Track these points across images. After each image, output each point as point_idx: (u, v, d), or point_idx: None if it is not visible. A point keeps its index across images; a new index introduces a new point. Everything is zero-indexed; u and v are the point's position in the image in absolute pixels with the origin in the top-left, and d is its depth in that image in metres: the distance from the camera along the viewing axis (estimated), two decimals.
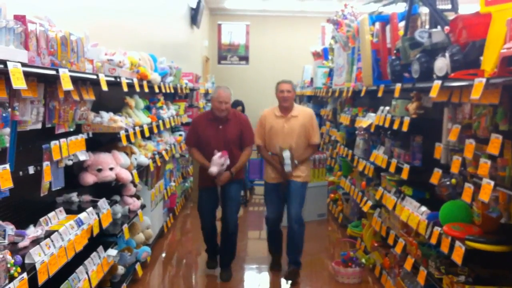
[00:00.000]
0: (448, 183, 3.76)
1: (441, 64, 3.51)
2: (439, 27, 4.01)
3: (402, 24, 4.97)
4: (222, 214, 5.59)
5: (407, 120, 4.38)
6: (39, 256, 2.78)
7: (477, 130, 3.27)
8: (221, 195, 5.58)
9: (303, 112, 5.63)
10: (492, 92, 2.91)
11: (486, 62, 2.95)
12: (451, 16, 3.95)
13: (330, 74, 8.71)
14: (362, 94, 5.90)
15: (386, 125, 4.87)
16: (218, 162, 5.20)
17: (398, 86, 4.54)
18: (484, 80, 2.85)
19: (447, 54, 3.43)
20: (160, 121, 6.32)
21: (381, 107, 5.24)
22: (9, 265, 2.48)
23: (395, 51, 4.76)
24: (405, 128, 4.40)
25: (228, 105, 5.34)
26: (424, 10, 4.63)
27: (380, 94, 5.18)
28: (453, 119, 3.73)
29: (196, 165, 5.91)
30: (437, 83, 3.55)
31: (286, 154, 5.32)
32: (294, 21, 15.76)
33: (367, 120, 5.70)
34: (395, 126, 4.62)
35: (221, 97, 5.27)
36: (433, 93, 3.59)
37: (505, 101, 2.98)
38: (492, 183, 2.92)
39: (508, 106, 3.00)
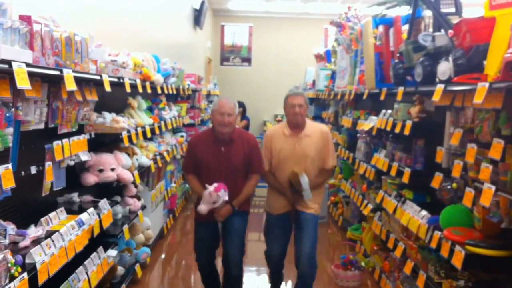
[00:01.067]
0: (449, 187, 3.76)
1: (444, 68, 3.51)
2: (442, 30, 4.01)
3: (405, 27, 4.97)
4: (222, 253, 4.60)
5: (409, 123, 4.37)
6: (39, 256, 2.79)
7: (479, 135, 3.27)
8: (222, 230, 4.57)
9: (317, 129, 4.66)
10: (495, 96, 2.91)
11: (490, 66, 2.95)
12: (455, 19, 3.95)
13: (332, 76, 8.72)
14: (365, 97, 5.90)
15: (388, 128, 4.87)
16: (209, 200, 4.27)
17: (400, 89, 4.54)
18: (487, 84, 2.85)
19: (450, 58, 3.43)
20: (162, 122, 6.33)
21: (383, 110, 5.24)
22: (9, 265, 2.48)
23: (398, 54, 4.76)
24: (407, 132, 4.40)
25: (232, 119, 4.36)
26: (428, 13, 4.63)
27: (382, 97, 5.18)
28: (455, 123, 3.72)
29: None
30: (440, 87, 3.55)
31: (305, 180, 4.36)
32: (297, 23, 15.76)
33: (369, 123, 5.70)
34: (397, 130, 4.62)
35: (223, 108, 4.33)
36: (436, 97, 3.59)
37: (508, 106, 2.97)
38: (493, 188, 2.92)
39: (511, 110, 3.00)
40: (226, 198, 4.30)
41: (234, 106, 4.41)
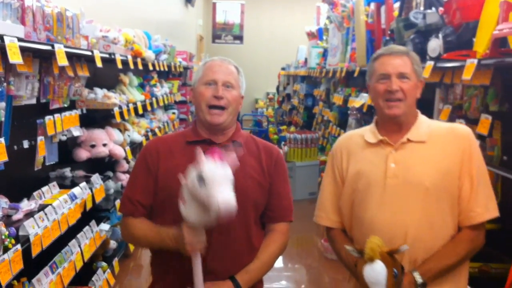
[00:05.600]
0: None
1: (434, 45, 3.54)
2: (433, 8, 4.03)
3: (397, 4, 4.99)
4: None
5: None
6: (33, 229, 2.81)
7: (467, 111, 3.32)
8: None
9: (443, 131, 2.19)
10: (484, 73, 2.95)
11: (479, 43, 2.98)
12: None
13: (324, 54, 8.73)
14: (356, 74, 5.92)
15: None
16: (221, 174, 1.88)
17: None
18: (475, 61, 2.88)
19: (440, 35, 3.46)
20: (154, 99, 6.34)
21: None
22: (3, 237, 2.51)
23: (389, 32, 4.78)
24: None
25: (233, 96, 2.21)
26: None
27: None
28: (444, 99, 3.77)
29: None
30: (430, 64, 3.58)
31: (373, 273, 1.91)
32: (289, 1, 15.70)
33: (359, 100, 5.73)
34: None
35: (215, 73, 2.21)
36: (426, 74, 3.61)
37: (496, 82, 3.02)
38: None
39: (499, 87, 3.05)
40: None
41: (237, 73, 2.31)
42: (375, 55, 2.29)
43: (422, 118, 2.24)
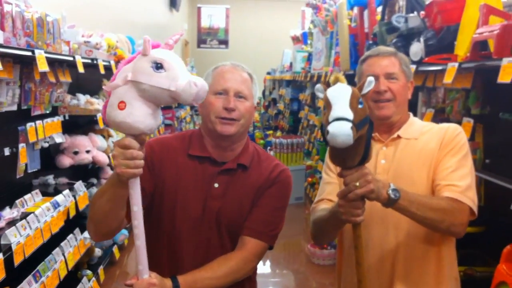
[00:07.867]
0: None
1: (416, 48, 3.56)
2: (415, 12, 4.06)
3: (380, 9, 5.01)
4: None
5: None
6: (15, 237, 2.79)
7: (450, 114, 3.34)
8: None
9: (431, 130, 2.15)
10: (465, 76, 2.97)
11: (459, 46, 3.00)
12: (427, 1, 4.00)
13: (309, 58, 8.74)
14: None
15: None
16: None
17: None
18: (456, 64, 2.90)
19: (421, 39, 3.47)
20: None
21: None
22: None
23: (372, 36, 4.79)
24: None
25: (246, 107, 2.04)
26: None
27: (357, 79, 5.20)
28: (427, 103, 3.79)
29: None
30: (412, 68, 3.59)
31: (337, 88, 1.68)
32: (274, 5, 15.73)
33: None
34: None
35: (226, 81, 2.04)
36: None
37: (477, 86, 3.04)
38: None
39: (480, 90, 3.07)
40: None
41: (251, 81, 2.12)
42: (363, 57, 2.25)
43: (414, 119, 2.23)
